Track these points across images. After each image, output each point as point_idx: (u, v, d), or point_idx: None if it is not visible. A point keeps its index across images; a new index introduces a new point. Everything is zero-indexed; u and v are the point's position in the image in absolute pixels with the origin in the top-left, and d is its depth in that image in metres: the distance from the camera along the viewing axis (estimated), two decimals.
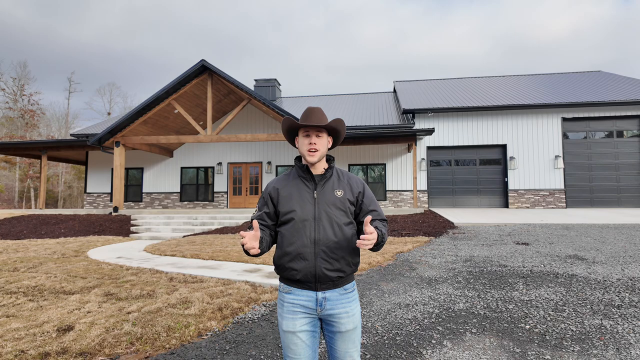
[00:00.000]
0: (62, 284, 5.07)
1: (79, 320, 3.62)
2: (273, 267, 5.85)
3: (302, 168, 1.73)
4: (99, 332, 3.32)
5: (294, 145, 1.79)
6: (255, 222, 1.51)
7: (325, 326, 1.67)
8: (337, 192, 1.68)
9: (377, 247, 1.59)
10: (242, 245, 1.47)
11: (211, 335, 3.38)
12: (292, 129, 1.75)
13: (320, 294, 1.61)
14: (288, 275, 1.64)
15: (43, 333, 3.33)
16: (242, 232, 1.46)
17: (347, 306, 1.64)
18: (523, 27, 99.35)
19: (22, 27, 57.34)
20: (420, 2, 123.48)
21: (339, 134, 1.77)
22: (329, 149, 1.76)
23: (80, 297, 4.42)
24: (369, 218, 1.48)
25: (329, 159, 1.77)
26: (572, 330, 3.25)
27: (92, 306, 4.08)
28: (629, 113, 14.54)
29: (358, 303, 1.71)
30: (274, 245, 1.75)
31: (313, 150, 1.67)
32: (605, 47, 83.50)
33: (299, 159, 1.77)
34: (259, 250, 1.51)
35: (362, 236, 1.45)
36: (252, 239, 1.48)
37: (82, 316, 3.76)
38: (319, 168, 1.72)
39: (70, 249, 8.09)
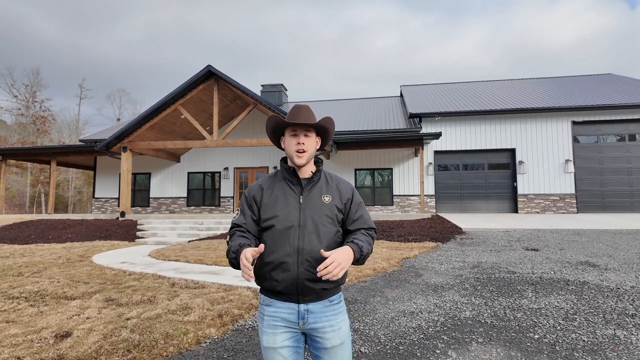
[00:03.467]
0: (64, 289, 5.05)
1: (77, 327, 3.57)
2: None
3: (288, 170, 1.61)
4: (96, 339, 3.27)
5: (279, 147, 1.68)
6: (261, 247, 1.37)
7: (310, 342, 1.55)
8: (325, 198, 1.56)
9: (357, 262, 1.47)
10: (241, 266, 1.34)
11: (210, 342, 3.31)
12: (279, 128, 1.63)
13: (302, 307, 1.49)
14: (269, 286, 1.52)
15: (41, 339, 3.29)
16: (247, 265, 1.31)
17: (332, 319, 1.52)
18: (530, 37, 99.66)
19: (40, 36, 58.94)
20: (430, 14, 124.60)
21: (328, 133, 1.65)
22: (317, 150, 1.66)
23: (80, 303, 4.39)
24: (322, 252, 1.36)
25: (317, 162, 1.66)
26: (584, 340, 3.12)
27: (92, 312, 4.04)
28: None
29: (345, 316, 1.58)
30: None
31: (301, 151, 1.55)
32: (611, 54, 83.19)
33: (284, 160, 1.66)
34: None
35: (319, 267, 1.33)
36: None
37: (81, 322, 3.72)
38: (307, 171, 1.61)
39: (76, 254, 8.10)
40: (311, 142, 1.59)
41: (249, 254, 1.32)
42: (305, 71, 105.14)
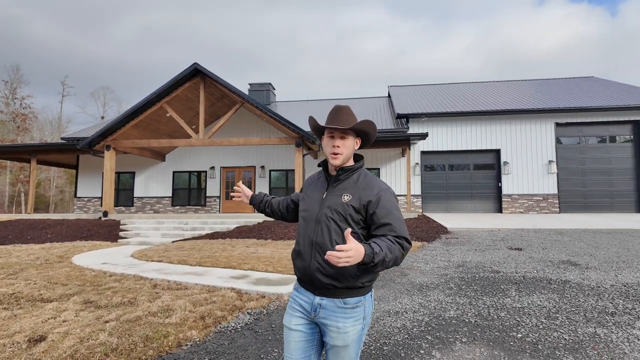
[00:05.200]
0: (41, 291, 4.89)
1: (52, 330, 3.45)
2: (262, 273, 5.71)
3: (323, 167, 1.71)
4: (72, 343, 3.16)
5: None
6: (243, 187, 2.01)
7: (322, 333, 1.60)
8: (345, 197, 1.56)
9: (366, 267, 1.36)
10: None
11: (191, 345, 3.23)
12: (318, 129, 1.69)
13: (317, 299, 1.55)
14: (294, 271, 1.67)
15: (13, 344, 3.17)
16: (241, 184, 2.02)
17: (340, 321, 1.51)
18: (515, 43, 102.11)
19: (25, 33, 57.35)
20: (419, 20, 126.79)
21: (369, 135, 1.67)
22: (357, 150, 1.69)
23: (57, 305, 4.25)
24: (348, 231, 1.32)
25: (358, 159, 1.70)
26: (565, 339, 3.14)
27: (69, 315, 3.91)
28: (621, 118, 14.59)
29: (358, 322, 1.54)
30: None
31: (336, 153, 1.60)
32: (593, 61, 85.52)
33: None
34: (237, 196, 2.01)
35: (338, 246, 1.28)
36: (244, 190, 1.97)
37: (56, 325, 3.59)
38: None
39: (55, 255, 7.88)
40: (347, 144, 1.62)
41: (244, 186, 2.02)
42: (298, 73, 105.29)
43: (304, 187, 1.79)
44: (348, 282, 1.50)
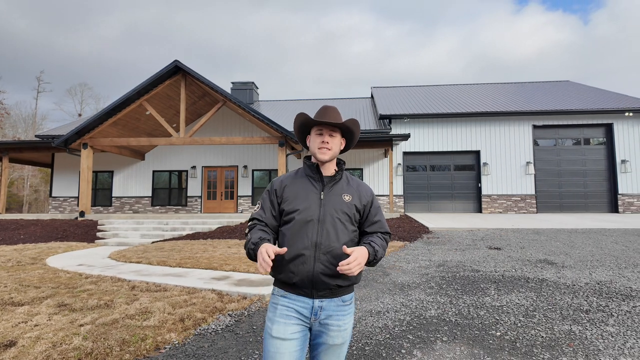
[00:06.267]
0: (12, 294, 4.70)
1: (23, 335, 3.31)
2: (243, 274, 5.64)
3: (311, 167, 1.65)
4: (44, 348, 3.04)
5: (305, 145, 1.73)
6: (284, 249, 1.43)
7: (313, 336, 1.57)
8: (345, 197, 1.60)
9: (369, 264, 1.53)
10: (258, 258, 1.40)
11: (170, 348, 3.16)
12: (305, 126, 1.68)
13: (317, 302, 1.52)
14: (285, 278, 1.53)
15: None
16: (267, 260, 1.37)
17: (341, 319, 1.55)
18: (495, 48, 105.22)
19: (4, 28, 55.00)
20: (405, 23, 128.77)
21: (353, 136, 1.69)
22: (341, 152, 1.70)
23: (29, 309, 4.09)
24: (345, 247, 1.43)
25: (340, 163, 1.70)
26: (542, 336, 3.21)
27: (41, 319, 3.77)
28: (595, 121, 15.08)
29: (352, 317, 1.61)
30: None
31: (325, 148, 1.60)
32: (568, 67, 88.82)
33: (308, 158, 1.70)
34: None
35: (341, 262, 1.40)
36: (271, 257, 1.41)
37: (28, 330, 3.45)
38: (329, 169, 1.65)
39: (28, 256, 7.60)
40: (335, 142, 1.63)
41: (271, 251, 1.38)
42: (284, 74, 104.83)
43: (277, 187, 1.63)
44: (351, 280, 1.56)
